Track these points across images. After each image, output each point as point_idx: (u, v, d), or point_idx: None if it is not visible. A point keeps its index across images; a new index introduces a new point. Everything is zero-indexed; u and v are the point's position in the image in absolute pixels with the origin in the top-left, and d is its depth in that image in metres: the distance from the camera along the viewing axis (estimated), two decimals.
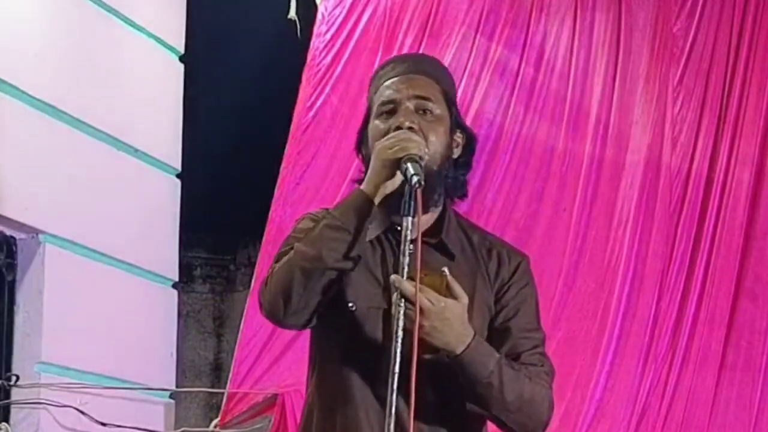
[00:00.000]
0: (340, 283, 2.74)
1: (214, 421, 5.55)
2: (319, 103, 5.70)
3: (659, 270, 5.78)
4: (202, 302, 7.85)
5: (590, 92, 5.91)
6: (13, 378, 5.00)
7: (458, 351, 2.68)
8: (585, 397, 5.59)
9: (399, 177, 2.70)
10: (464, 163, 2.92)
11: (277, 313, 2.74)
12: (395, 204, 2.71)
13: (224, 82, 6.79)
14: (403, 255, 2.63)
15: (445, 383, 2.73)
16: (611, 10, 5.97)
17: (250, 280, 5.69)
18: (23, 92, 4.96)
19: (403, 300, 2.61)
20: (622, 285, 5.75)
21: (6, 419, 5.01)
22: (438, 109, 2.85)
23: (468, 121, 5.69)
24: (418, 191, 2.63)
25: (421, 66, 2.95)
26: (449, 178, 2.85)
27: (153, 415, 5.68)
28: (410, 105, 2.83)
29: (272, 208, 5.59)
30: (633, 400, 5.65)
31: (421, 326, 2.60)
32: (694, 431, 5.64)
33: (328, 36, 5.75)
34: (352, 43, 5.77)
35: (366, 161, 2.86)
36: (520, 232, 5.71)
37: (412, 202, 2.64)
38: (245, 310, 5.55)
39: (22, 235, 5.08)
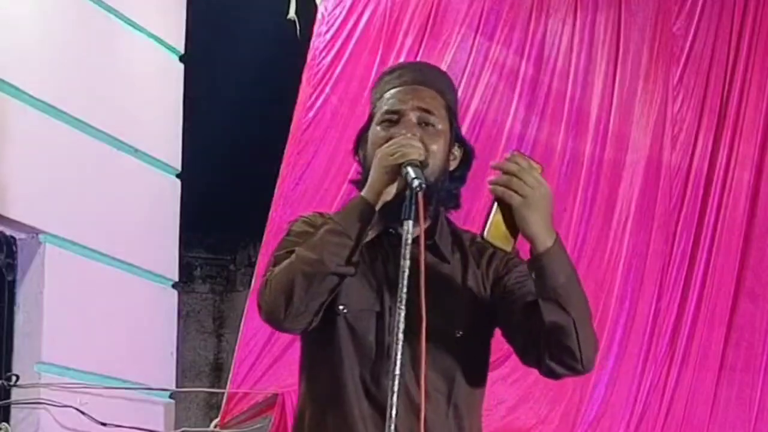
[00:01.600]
0: (339, 288, 2.74)
1: (214, 421, 5.55)
2: (319, 103, 5.70)
3: (659, 269, 5.78)
4: (202, 302, 7.85)
5: (590, 92, 5.92)
6: (13, 378, 4.99)
7: (550, 243, 2.80)
8: (585, 397, 5.58)
9: (400, 182, 2.71)
10: (459, 177, 2.97)
11: (277, 317, 2.73)
12: (393, 209, 2.72)
13: (224, 82, 6.79)
14: (404, 258, 2.63)
15: (445, 363, 2.76)
16: (611, 9, 5.97)
17: (250, 280, 5.69)
18: (23, 92, 4.96)
19: (403, 303, 2.61)
20: (622, 285, 5.75)
21: (6, 419, 5.00)
22: (440, 124, 2.87)
23: (467, 121, 5.75)
24: (419, 195, 2.65)
25: (427, 77, 2.95)
26: (443, 191, 2.87)
27: (153, 415, 5.68)
28: (413, 117, 2.85)
29: (272, 208, 5.59)
30: (633, 400, 5.65)
31: (525, 196, 2.73)
32: (694, 431, 5.63)
33: (328, 36, 5.75)
34: (352, 43, 5.77)
35: (363, 163, 2.88)
36: None
37: (414, 206, 2.65)
38: (245, 310, 5.55)
39: (22, 235, 5.08)
